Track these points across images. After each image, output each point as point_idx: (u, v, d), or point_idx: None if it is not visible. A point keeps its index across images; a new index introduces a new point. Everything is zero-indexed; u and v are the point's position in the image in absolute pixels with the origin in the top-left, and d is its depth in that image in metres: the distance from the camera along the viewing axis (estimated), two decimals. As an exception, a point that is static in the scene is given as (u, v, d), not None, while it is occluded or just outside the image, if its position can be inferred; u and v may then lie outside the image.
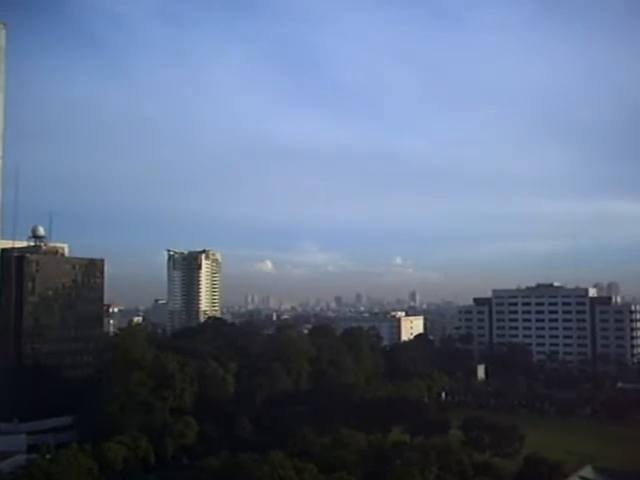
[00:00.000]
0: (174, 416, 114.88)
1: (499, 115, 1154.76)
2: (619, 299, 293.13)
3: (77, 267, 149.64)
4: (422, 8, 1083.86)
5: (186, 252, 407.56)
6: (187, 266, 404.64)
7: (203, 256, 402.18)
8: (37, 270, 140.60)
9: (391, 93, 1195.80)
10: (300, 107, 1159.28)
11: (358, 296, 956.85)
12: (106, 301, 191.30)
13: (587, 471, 76.55)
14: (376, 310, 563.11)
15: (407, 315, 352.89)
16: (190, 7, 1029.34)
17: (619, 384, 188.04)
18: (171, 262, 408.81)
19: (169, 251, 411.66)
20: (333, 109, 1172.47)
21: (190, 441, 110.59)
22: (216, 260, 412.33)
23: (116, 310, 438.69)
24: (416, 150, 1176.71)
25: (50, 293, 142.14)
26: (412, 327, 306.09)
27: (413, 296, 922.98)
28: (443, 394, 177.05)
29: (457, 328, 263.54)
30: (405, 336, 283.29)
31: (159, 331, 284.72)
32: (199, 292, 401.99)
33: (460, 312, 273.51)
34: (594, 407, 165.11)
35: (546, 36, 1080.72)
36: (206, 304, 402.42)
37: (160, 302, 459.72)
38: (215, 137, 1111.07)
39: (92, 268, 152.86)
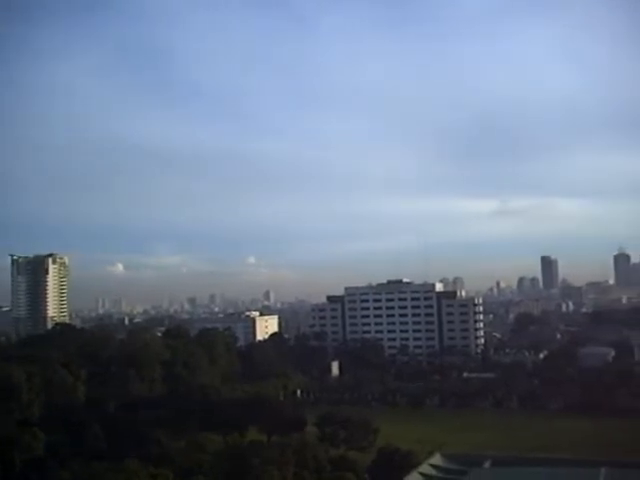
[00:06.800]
0: (21, 429, 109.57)
1: (352, 116, 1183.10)
2: (464, 293, 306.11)
3: None
4: (276, 11, 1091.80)
5: (31, 256, 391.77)
6: (32, 271, 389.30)
7: (50, 260, 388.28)
8: None
9: (246, 94, 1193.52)
10: (152, 107, 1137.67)
11: (212, 297, 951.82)
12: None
13: (436, 458, 79.35)
14: (231, 310, 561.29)
15: (261, 315, 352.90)
16: (36, 5, 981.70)
17: (464, 374, 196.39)
18: (15, 267, 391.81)
19: (12, 255, 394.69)
20: (186, 109, 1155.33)
21: (38, 454, 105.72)
22: (64, 264, 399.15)
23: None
24: (270, 151, 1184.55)
25: None
26: (267, 326, 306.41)
27: (267, 295, 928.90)
28: (299, 392, 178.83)
29: (311, 326, 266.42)
30: (260, 336, 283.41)
31: (2, 339, 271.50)
32: (46, 298, 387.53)
33: (314, 310, 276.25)
34: (442, 397, 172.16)
35: (400, 39, 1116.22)
36: (54, 310, 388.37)
37: (3, 309, 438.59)
38: (63, 137, 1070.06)
39: None
